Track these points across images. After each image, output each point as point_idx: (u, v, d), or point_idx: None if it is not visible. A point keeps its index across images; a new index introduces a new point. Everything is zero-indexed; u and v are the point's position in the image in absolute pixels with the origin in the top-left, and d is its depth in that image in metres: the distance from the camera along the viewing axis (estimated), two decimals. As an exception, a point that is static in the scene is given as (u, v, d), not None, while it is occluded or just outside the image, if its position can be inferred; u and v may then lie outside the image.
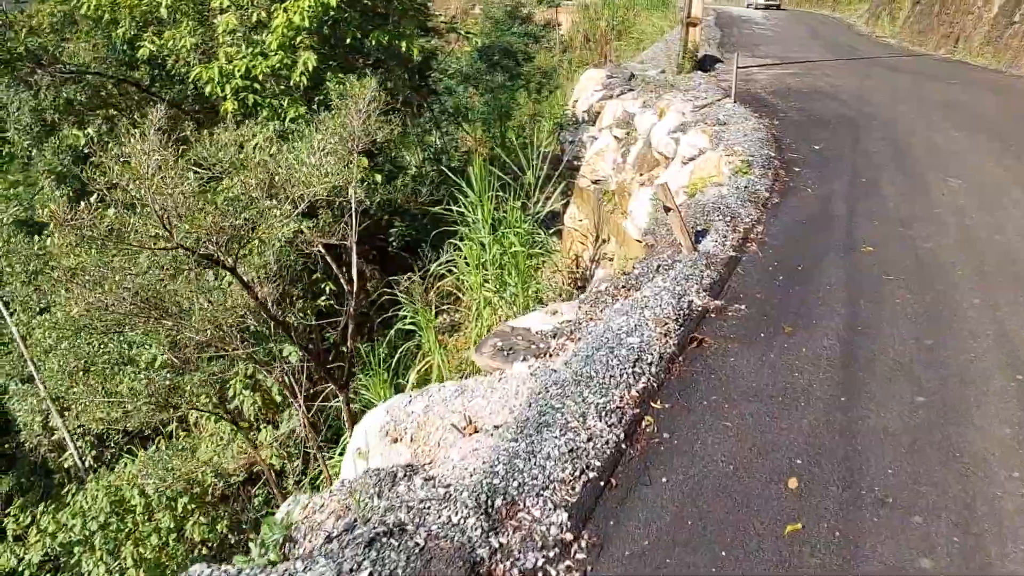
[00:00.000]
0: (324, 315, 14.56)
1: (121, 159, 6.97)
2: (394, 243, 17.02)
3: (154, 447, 12.77)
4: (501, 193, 15.06)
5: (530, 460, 4.36)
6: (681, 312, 6.31)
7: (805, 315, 6.42)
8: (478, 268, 14.06)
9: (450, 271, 15.08)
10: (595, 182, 17.04)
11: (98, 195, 6.66)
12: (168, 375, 9.22)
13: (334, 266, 10.05)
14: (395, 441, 5.09)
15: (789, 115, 13.85)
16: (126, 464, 12.65)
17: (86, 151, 14.00)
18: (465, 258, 14.36)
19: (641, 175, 14.66)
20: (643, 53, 23.99)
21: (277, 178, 8.92)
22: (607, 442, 4.64)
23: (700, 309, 6.51)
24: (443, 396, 5.34)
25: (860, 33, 33.37)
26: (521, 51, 34.09)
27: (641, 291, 6.84)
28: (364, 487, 4.30)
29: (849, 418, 4.97)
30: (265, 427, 13.46)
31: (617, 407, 4.96)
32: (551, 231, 19.12)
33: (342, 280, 9.97)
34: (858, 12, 38.96)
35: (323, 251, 10.12)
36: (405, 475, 4.39)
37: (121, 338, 9.59)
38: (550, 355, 6.09)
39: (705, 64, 20.41)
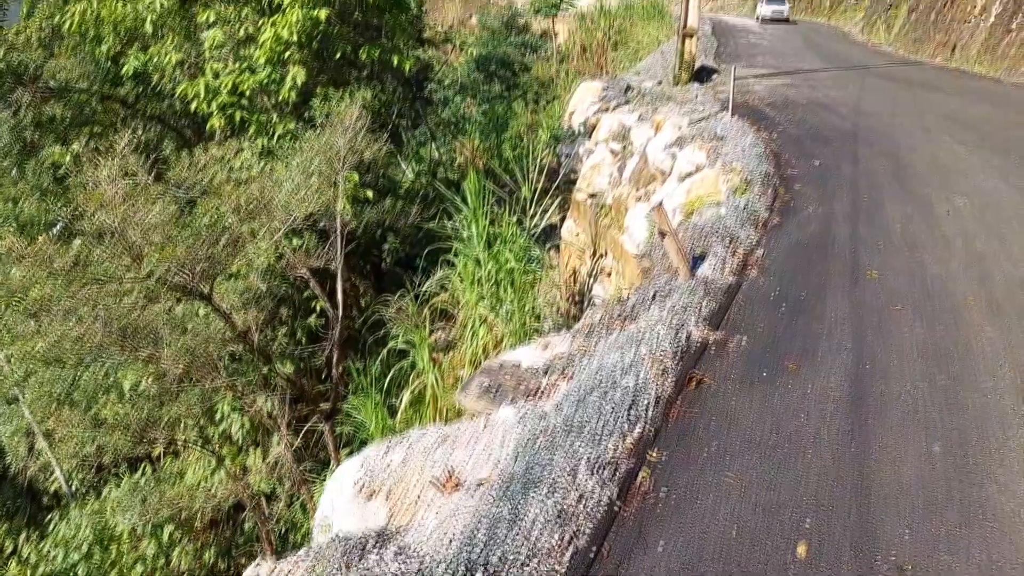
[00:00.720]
0: (315, 335, 14.17)
1: (90, 185, 6.56)
2: (388, 259, 16.60)
3: (140, 473, 12.33)
4: (497, 208, 14.67)
5: (514, 526, 3.93)
6: (679, 347, 5.89)
7: (810, 350, 6.00)
8: (473, 285, 13.65)
9: (444, 287, 14.67)
10: (592, 196, 16.64)
11: (64, 224, 6.25)
12: (148, 406, 8.78)
13: (318, 291, 9.60)
14: (370, 497, 4.66)
15: (787, 129, 13.45)
16: (111, 489, 12.21)
17: (68, 171, 13.63)
18: (460, 275, 13.96)
19: (638, 190, 14.25)
20: (639, 64, 23.62)
21: (257, 201, 8.51)
22: (599, 502, 4.21)
23: (699, 343, 6.09)
24: (424, 446, 4.90)
25: (856, 42, 33.04)
26: (518, 62, 33.67)
27: (637, 322, 6.42)
28: (331, 558, 3.87)
29: (861, 471, 4.54)
30: (255, 450, 13.03)
31: (610, 460, 4.53)
32: (548, 245, 18.74)
33: (327, 306, 9.53)
34: (854, 20, 38.63)
35: (308, 274, 9.68)
36: (376, 544, 3.96)
37: (99, 365, 9.17)
38: (541, 395, 5.66)
39: (702, 75, 20.01)
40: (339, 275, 8.93)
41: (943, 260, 7.65)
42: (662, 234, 7.09)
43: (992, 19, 25.03)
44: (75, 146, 13.60)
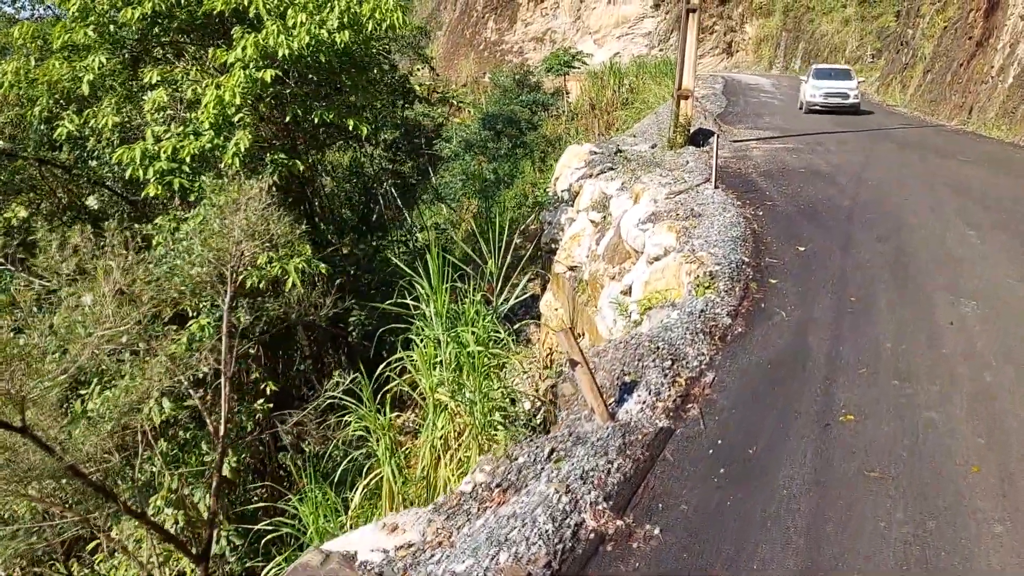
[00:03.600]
0: (264, 420, 12.55)
1: None
2: (355, 333, 14.92)
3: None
4: (461, 283, 13.01)
5: None
6: (558, 548, 4.06)
7: (749, 550, 4.14)
8: (429, 369, 11.94)
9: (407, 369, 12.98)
10: (571, 268, 14.88)
11: None
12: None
13: (200, 405, 7.83)
14: None
15: (776, 203, 11.62)
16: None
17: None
18: (418, 357, 12.25)
19: (612, 267, 12.48)
20: (636, 125, 21.95)
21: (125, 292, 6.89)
22: None
23: (591, 538, 4.25)
24: None
25: (870, 101, 31.12)
26: (525, 120, 32.29)
27: (520, 495, 4.61)
28: None
29: None
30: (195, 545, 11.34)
31: None
32: (525, 319, 16.95)
33: (210, 425, 7.78)
34: (869, 80, 36.77)
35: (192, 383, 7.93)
36: None
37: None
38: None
39: (698, 139, 18.25)
40: (226, 383, 7.19)
41: (941, 399, 5.72)
42: (572, 364, 5.30)
43: (1011, 80, 23.02)
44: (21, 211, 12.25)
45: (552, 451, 5.01)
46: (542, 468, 4.86)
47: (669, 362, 6.10)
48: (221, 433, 7.10)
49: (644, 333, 6.60)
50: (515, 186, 31.15)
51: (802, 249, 9.32)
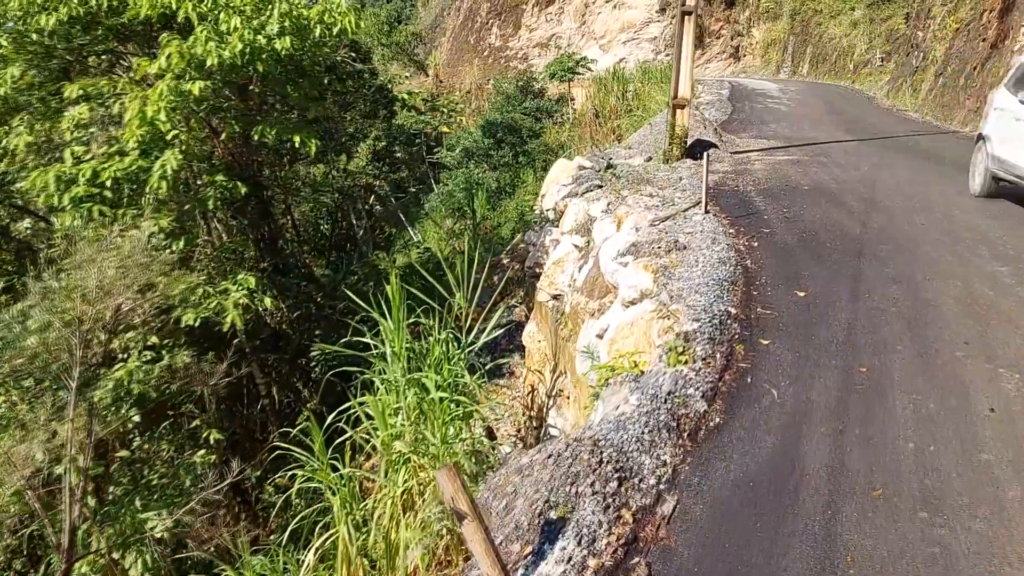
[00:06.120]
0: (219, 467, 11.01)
1: None
2: (317, 369, 13.25)
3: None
4: (425, 320, 11.28)
5: None
6: None
7: None
8: (385, 418, 10.22)
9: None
10: (554, 297, 13.12)
11: None
12: None
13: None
14: None
15: (775, 231, 9.80)
16: None
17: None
18: (366, 405, 10.54)
19: (591, 301, 10.72)
20: (633, 135, 20.10)
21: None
22: None
23: None
24: None
25: (880, 107, 29.03)
26: (526, 128, 30.49)
27: None
28: None
29: None
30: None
31: None
32: (508, 350, 15.21)
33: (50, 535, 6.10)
34: (879, 84, 34.58)
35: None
36: None
37: None
38: None
39: (696, 151, 16.38)
40: (65, 492, 5.51)
41: (986, 542, 3.93)
42: (459, 517, 3.57)
43: (1029, 84, 20.95)
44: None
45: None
46: None
47: (615, 483, 4.35)
48: (64, 545, 5.42)
49: (586, 436, 4.84)
50: (516, 196, 29.43)
51: (802, 295, 7.51)
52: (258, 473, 11.99)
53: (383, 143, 18.73)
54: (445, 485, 3.53)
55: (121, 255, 6.08)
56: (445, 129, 30.21)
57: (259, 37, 10.01)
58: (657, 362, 6.11)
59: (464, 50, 46.05)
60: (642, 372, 6.03)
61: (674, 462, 4.68)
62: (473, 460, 8.98)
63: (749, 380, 5.78)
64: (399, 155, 25.06)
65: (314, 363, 13.30)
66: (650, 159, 16.46)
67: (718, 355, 6.08)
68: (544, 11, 44.88)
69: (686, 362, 5.91)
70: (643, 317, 6.86)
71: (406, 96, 19.21)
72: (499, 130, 29.94)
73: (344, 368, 11.54)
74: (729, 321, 6.73)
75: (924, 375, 5.79)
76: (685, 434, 4.98)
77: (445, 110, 22.31)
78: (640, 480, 4.44)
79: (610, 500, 4.21)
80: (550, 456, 4.59)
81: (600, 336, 9.10)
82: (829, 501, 4.32)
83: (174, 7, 10.02)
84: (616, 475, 4.40)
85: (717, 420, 5.21)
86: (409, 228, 25.64)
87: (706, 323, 6.54)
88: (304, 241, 16.62)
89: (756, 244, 9.19)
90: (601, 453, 4.56)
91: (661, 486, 4.45)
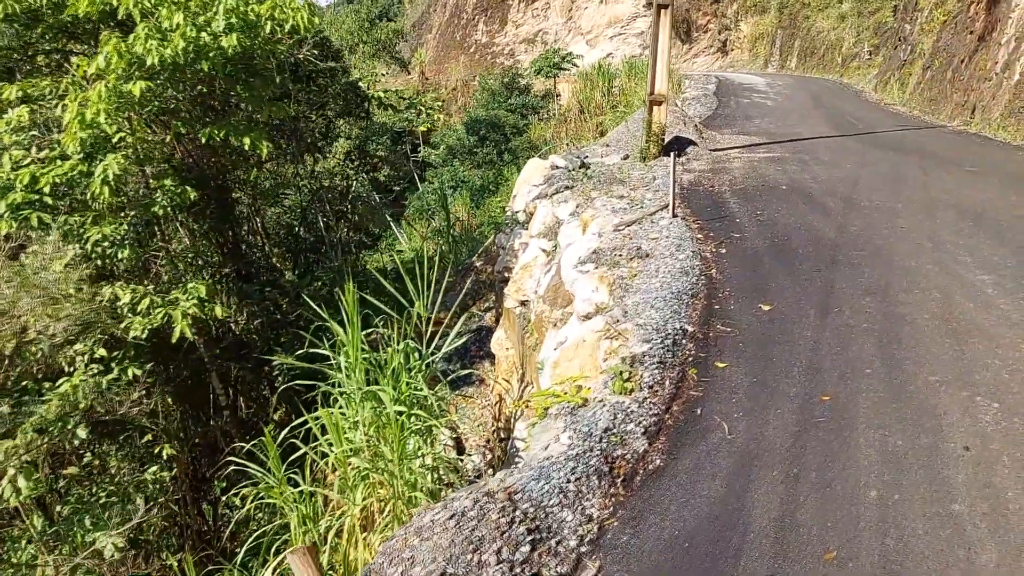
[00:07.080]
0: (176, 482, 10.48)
1: None
2: (281, 379, 12.60)
3: None
4: (383, 328, 10.64)
5: None
6: None
7: None
8: (340, 434, 9.59)
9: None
10: (522, 303, 12.47)
11: None
12: None
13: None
14: None
15: (745, 236, 9.15)
16: None
17: None
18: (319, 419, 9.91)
19: (553, 310, 10.07)
20: (611, 132, 19.42)
21: None
22: None
23: None
24: None
25: (868, 101, 28.37)
26: (510, 124, 29.79)
27: None
28: None
29: None
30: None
31: None
32: (477, 356, 14.57)
33: None
34: (867, 77, 33.92)
35: None
36: None
37: None
38: None
39: (674, 149, 15.73)
40: None
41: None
42: (316, 609, 2.92)
43: (1016, 77, 20.24)
44: None
45: None
46: None
47: (527, 547, 3.72)
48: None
49: (500, 489, 4.19)
50: (500, 194, 28.78)
51: (767, 309, 6.87)
52: (223, 486, 11.41)
53: (357, 142, 18.03)
54: (298, 568, 2.89)
55: (23, 274, 5.46)
56: (434, 127, 29.52)
57: (203, 34, 9.34)
58: (602, 388, 5.48)
59: (450, 47, 45.27)
60: (584, 401, 5.40)
61: (602, 516, 4.04)
62: (434, 477, 8.34)
63: (699, 412, 5.14)
64: (380, 154, 24.38)
65: (277, 372, 12.68)
66: (627, 157, 15.80)
67: (667, 382, 5.44)
68: (531, 6, 44.09)
69: (631, 390, 5.28)
70: (589, 339, 6.23)
71: (381, 94, 18.44)
72: (483, 127, 29.25)
73: (306, 379, 10.87)
74: (684, 341, 6.09)
75: (893, 405, 5.16)
76: (619, 480, 4.35)
77: (423, 108, 21.62)
78: (558, 542, 3.81)
79: (518, 570, 3.58)
80: (452, 516, 3.95)
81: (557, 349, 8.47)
82: (774, 566, 3.69)
83: (115, 3, 9.36)
84: (529, 537, 3.77)
85: (657, 462, 4.58)
86: (395, 228, 24.98)
87: (657, 344, 5.90)
88: (276, 244, 15.97)
89: (724, 251, 8.55)
90: (514, 511, 3.92)
91: (583, 548, 3.82)
